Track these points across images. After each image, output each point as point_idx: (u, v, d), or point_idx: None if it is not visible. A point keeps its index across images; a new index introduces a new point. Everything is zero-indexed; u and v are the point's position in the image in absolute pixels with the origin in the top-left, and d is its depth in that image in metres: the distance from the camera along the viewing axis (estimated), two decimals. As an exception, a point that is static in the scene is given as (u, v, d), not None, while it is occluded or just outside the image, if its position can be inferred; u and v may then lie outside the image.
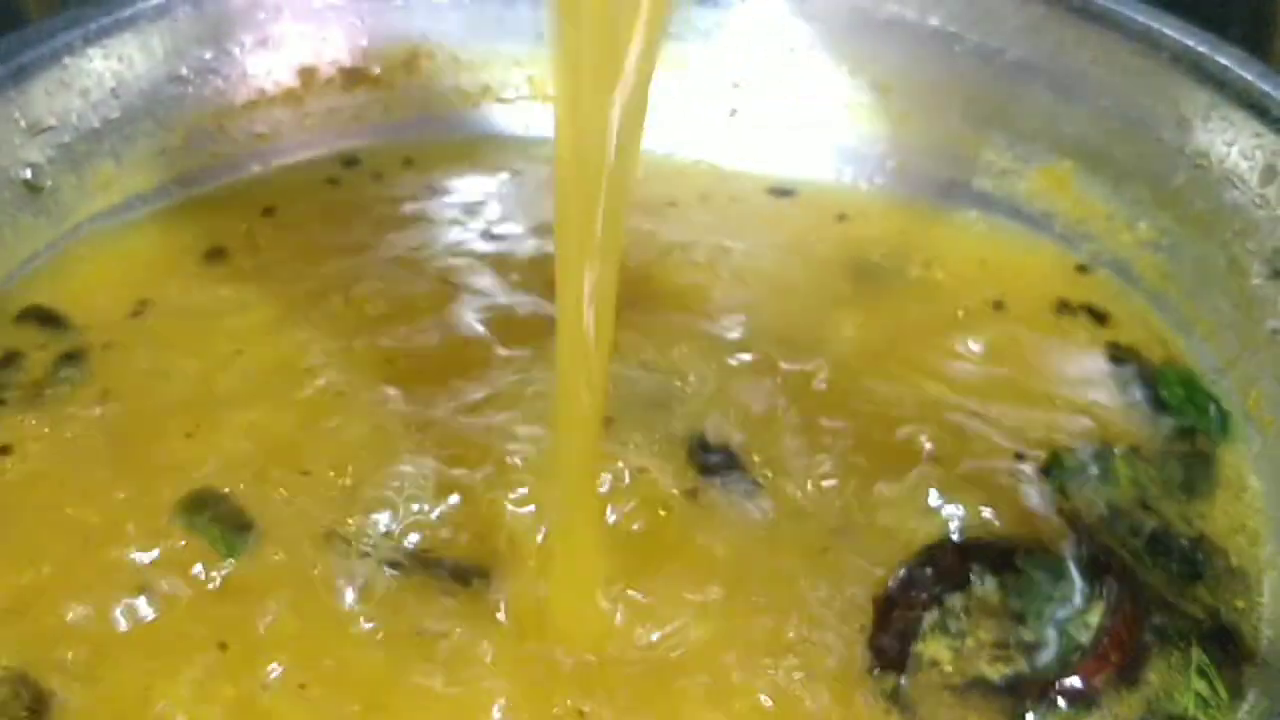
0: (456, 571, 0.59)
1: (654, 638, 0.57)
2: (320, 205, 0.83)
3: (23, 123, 0.74)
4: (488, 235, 0.81)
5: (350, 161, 0.87)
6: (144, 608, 0.58)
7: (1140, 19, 0.77)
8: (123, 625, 0.57)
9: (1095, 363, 0.72)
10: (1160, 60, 0.75)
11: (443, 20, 0.89)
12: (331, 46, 0.87)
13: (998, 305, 0.76)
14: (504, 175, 0.86)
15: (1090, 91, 0.79)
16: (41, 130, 0.75)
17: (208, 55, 0.83)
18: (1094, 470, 0.65)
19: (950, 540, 0.61)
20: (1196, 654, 0.57)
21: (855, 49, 0.88)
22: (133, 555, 0.59)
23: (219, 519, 0.61)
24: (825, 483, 0.64)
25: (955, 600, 0.58)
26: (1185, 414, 0.69)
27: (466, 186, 0.85)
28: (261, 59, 0.85)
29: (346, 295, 0.74)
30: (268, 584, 0.59)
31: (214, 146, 0.84)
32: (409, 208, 0.82)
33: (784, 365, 0.71)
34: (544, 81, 0.91)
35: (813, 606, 0.58)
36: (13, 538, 0.61)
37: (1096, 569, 0.59)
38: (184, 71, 0.82)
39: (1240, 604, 0.60)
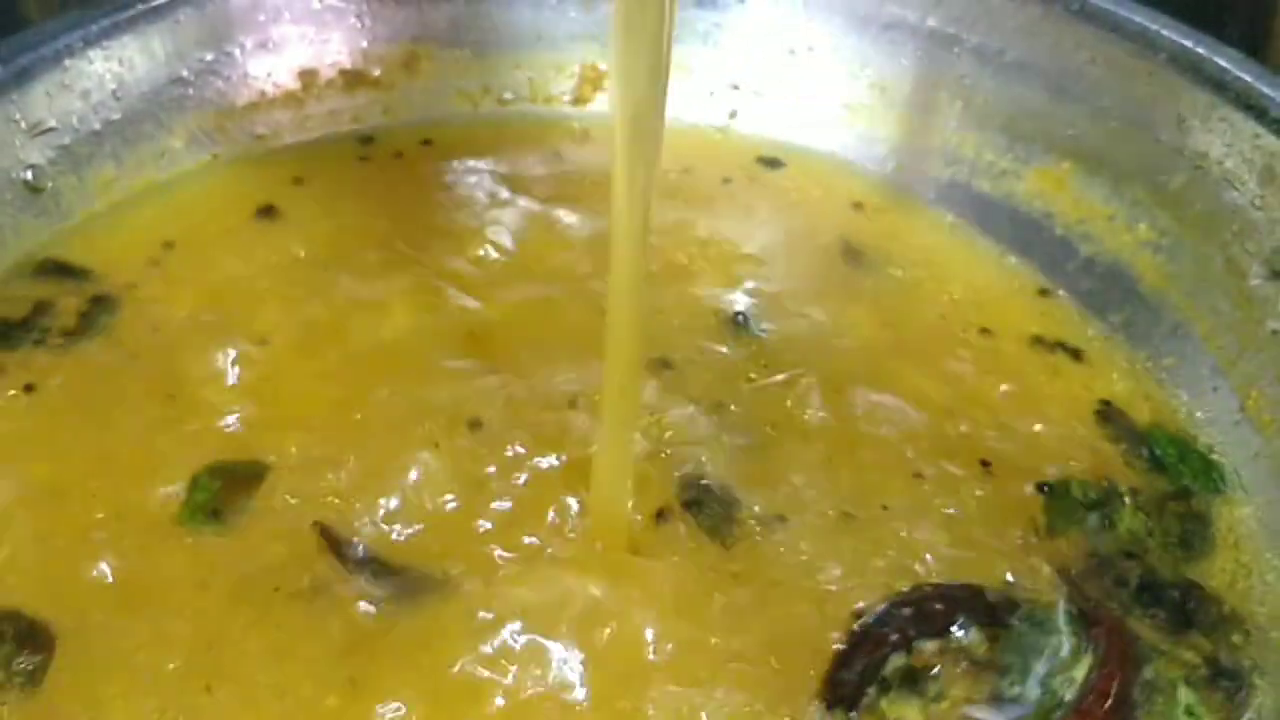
0: (420, 583, 0.59)
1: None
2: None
3: (23, 124, 0.74)
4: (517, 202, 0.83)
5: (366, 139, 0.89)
6: (138, 558, 0.58)
7: (1139, 20, 0.77)
8: (114, 574, 0.58)
9: (1085, 416, 0.71)
10: (1159, 61, 0.75)
11: (442, 22, 0.89)
12: (332, 48, 0.88)
13: (985, 331, 0.76)
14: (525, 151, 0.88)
15: (1089, 92, 0.79)
16: (42, 132, 0.75)
17: (208, 57, 0.83)
18: (1094, 512, 0.64)
19: (937, 585, 0.59)
20: (1184, 694, 0.56)
21: (854, 50, 0.88)
22: (135, 506, 0.61)
23: (215, 491, 0.61)
24: (806, 510, 0.63)
25: (928, 646, 0.56)
26: (1180, 474, 0.67)
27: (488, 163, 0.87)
28: (262, 61, 0.85)
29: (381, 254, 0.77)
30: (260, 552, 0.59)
31: (214, 148, 0.84)
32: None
33: (780, 371, 0.71)
34: (544, 84, 0.92)
35: (782, 635, 0.57)
36: (20, 476, 0.62)
37: (1086, 622, 0.58)
38: (185, 73, 0.82)
39: (1237, 639, 0.59)
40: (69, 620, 0.56)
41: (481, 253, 0.78)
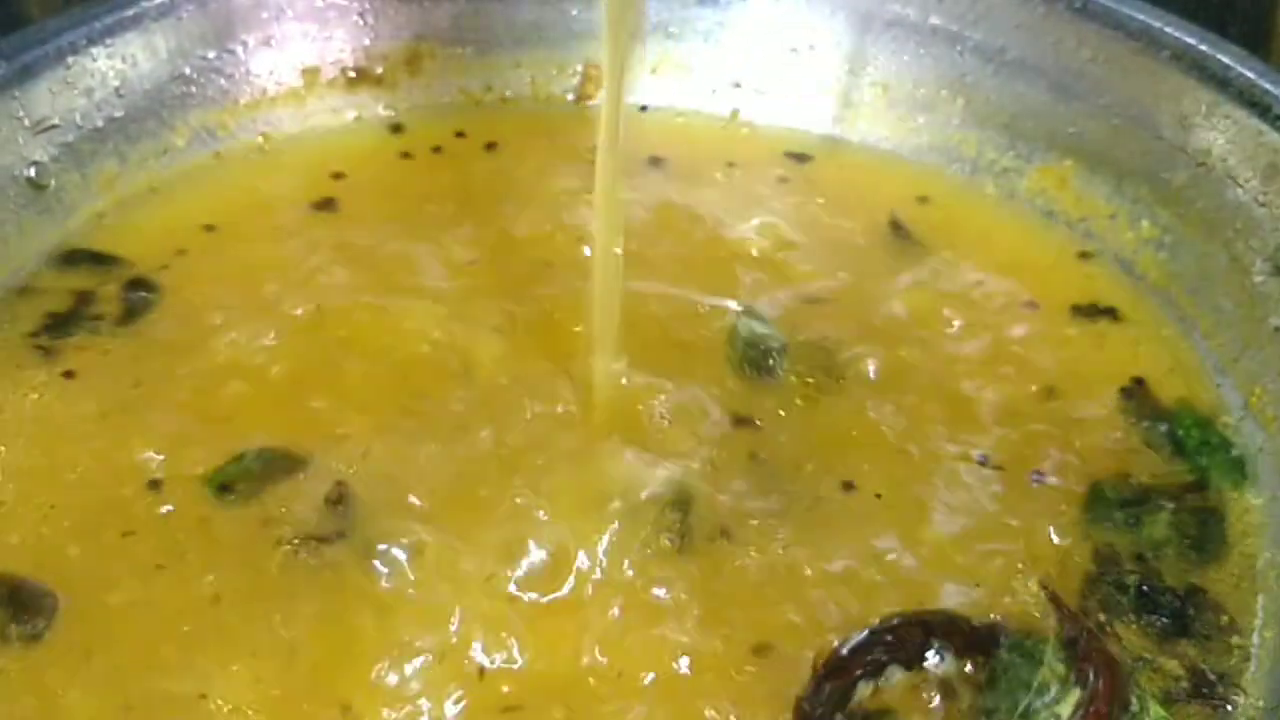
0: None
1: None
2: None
3: (27, 121, 0.74)
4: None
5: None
6: (145, 531, 0.59)
7: (1141, 17, 0.77)
8: (116, 549, 0.58)
9: (1113, 396, 0.70)
10: (1161, 59, 0.76)
11: (444, 20, 0.90)
12: (334, 46, 0.88)
13: (1030, 304, 0.75)
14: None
15: (1091, 90, 0.80)
16: (45, 129, 0.75)
17: (211, 55, 0.83)
18: (1121, 511, 0.63)
19: (919, 612, 0.57)
20: (1155, 710, 0.54)
21: (856, 49, 0.88)
22: (153, 490, 0.61)
23: (251, 473, 0.62)
24: (800, 510, 0.62)
25: (899, 674, 0.54)
26: (1200, 456, 0.66)
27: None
28: (265, 58, 0.85)
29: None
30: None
31: (217, 146, 0.84)
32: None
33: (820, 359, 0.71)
34: (546, 82, 0.92)
35: (756, 660, 0.56)
36: (47, 457, 0.63)
37: (1077, 653, 0.55)
38: (187, 71, 0.82)
39: (1236, 640, 0.58)
40: (74, 587, 0.57)
41: (531, 246, 0.77)
